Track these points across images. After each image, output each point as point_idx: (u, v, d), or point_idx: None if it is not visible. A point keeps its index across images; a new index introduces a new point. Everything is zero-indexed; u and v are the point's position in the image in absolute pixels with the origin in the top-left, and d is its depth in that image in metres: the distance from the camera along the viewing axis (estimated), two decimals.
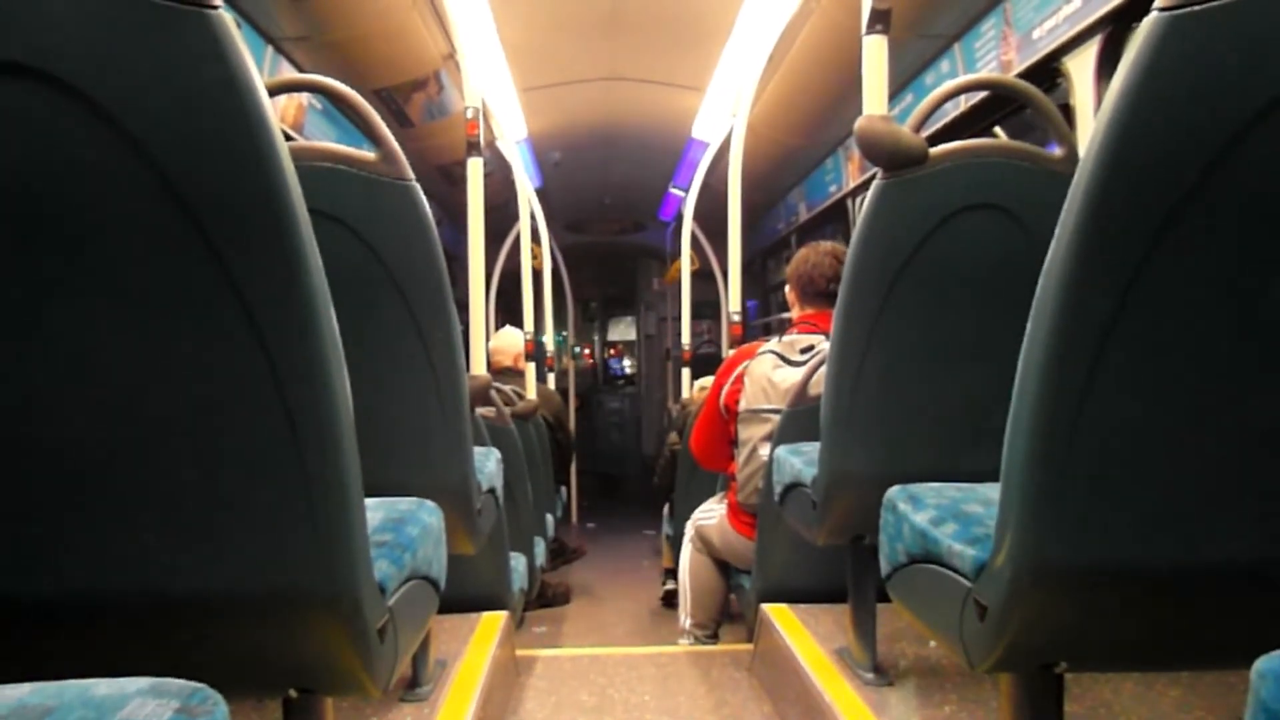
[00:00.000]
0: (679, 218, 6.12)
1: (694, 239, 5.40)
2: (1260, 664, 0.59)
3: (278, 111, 3.19)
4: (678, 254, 5.57)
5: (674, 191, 6.86)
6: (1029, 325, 0.92)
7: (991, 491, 1.08)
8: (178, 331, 0.79)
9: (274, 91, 2.03)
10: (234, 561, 0.86)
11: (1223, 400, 0.90)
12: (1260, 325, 0.88)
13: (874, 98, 1.66)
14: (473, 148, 2.57)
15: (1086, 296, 0.87)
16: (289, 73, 3.38)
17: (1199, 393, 0.90)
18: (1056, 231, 0.88)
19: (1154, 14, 0.80)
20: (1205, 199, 0.82)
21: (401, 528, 1.15)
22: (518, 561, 2.87)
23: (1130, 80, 0.81)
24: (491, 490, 1.90)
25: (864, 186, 4.52)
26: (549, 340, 6.60)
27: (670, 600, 4.27)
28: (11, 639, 0.85)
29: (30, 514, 0.82)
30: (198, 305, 0.79)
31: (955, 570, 1.09)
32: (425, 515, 1.26)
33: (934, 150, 1.50)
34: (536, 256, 5.62)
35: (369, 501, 0.99)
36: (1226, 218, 0.84)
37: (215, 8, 0.73)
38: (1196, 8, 0.78)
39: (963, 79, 1.62)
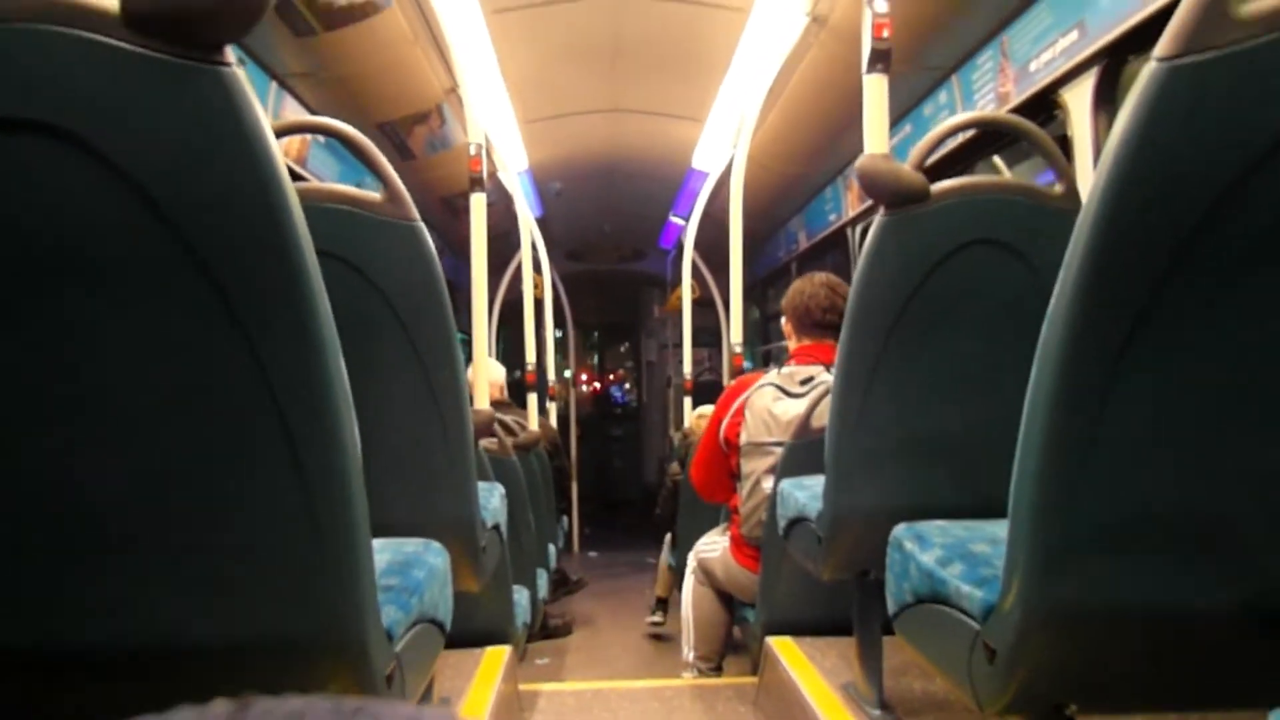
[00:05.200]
0: (679, 246, 6.15)
1: (694, 267, 5.42)
2: (1275, 716, 0.59)
3: (282, 147, 3.21)
4: (678, 282, 5.59)
5: (674, 220, 6.89)
6: (1034, 370, 0.92)
7: (998, 529, 1.08)
8: (187, 382, 0.80)
9: (282, 133, 2.05)
10: (241, 611, 0.86)
11: (1229, 443, 0.90)
12: (1265, 369, 0.88)
13: (875, 136, 1.67)
14: (476, 184, 2.59)
15: (1091, 341, 0.87)
16: (293, 107, 3.40)
17: (1205, 435, 0.90)
18: (1060, 275, 0.89)
19: (1152, 63, 0.82)
20: (1207, 243, 0.83)
21: (408, 571, 1.15)
22: (521, 595, 2.86)
23: (1130, 128, 0.82)
24: (496, 526, 1.90)
25: (864, 215, 4.54)
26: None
27: (657, 633, 4.26)
28: (19, 691, 0.85)
29: (37, 565, 0.82)
30: (207, 355, 0.79)
31: (963, 611, 1.08)
32: (431, 557, 1.26)
33: (935, 187, 1.51)
34: (538, 286, 5.64)
35: (376, 543, 0.99)
36: (1229, 263, 0.85)
37: (228, 65, 0.74)
38: (1193, 58, 0.79)
39: (962, 117, 1.64)
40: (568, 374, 8.93)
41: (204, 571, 0.84)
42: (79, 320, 0.76)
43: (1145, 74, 0.82)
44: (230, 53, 0.75)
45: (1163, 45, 0.80)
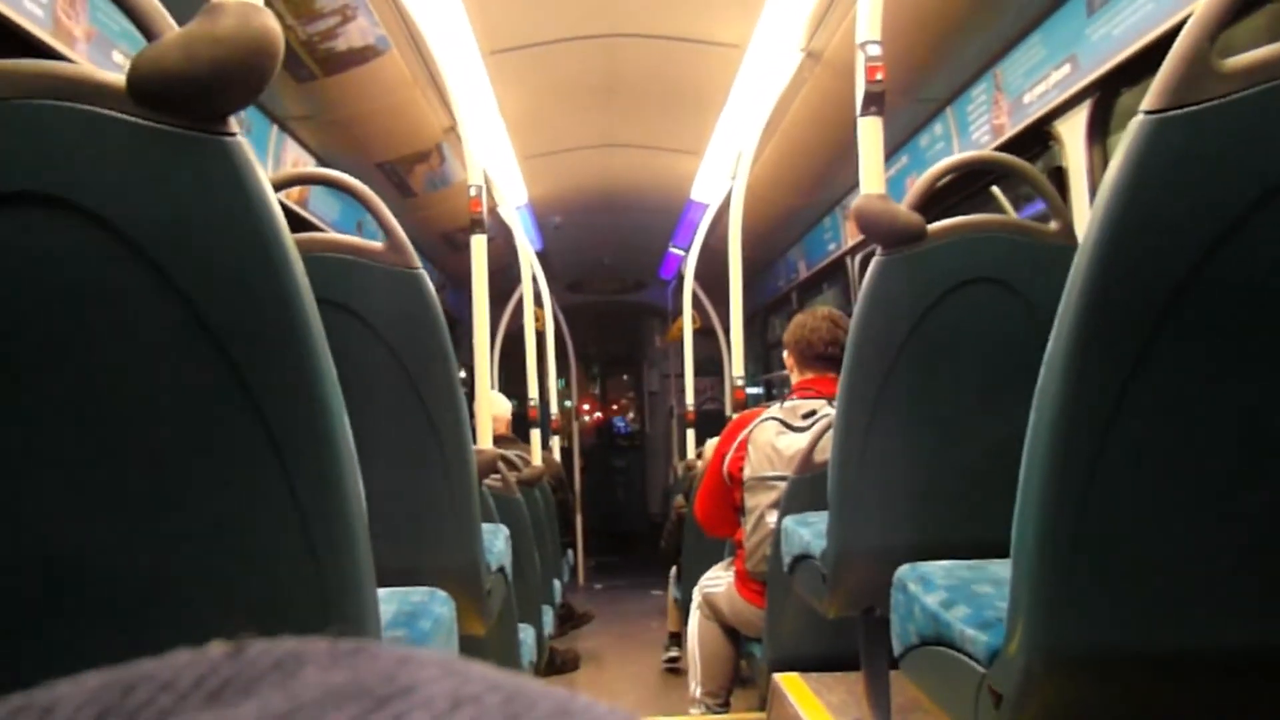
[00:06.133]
0: (680, 276, 6.17)
1: (695, 297, 5.44)
2: None
3: (284, 191, 3.24)
4: (679, 312, 5.61)
5: (674, 251, 6.92)
6: (1032, 413, 0.93)
7: (1002, 569, 1.09)
8: (190, 441, 0.81)
9: (284, 186, 2.07)
10: None
11: (1233, 484, 0.91)
12: (1263, 410, 0.89)
13: (871, 177, 1.69)
14: (476, 224, 2.61)
15: (1089, 386, 0.88)
16: (294, 150, 3.44)
17: (1208, 477, 0.91)
18: (1057, 320, 0.90)
19: (1140, 116, 0.83)
20: (1201, 291, 0.85)
21: (414, 623, 1.16)
22: (526, 634, 2.85)
23: (1120, 179, 0.83)
24: (501, 569, 1.90)
25: (863, 244, 4.57)
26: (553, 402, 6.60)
27: (674, 666, 4.23)
28: None
29: (18, 612, 0.82)
30: (212, 412, 0.80)
31: (968, 655, 1.09)
32: (437, 606, 1.26)
33: (932, 227, 1.53)
34: (539, 319, 5.65)
35: (381, 593, 0.99)
36: (1222, 309, 0.86)
37: (232, 134, 0.76)
38: (1179, 111, 0.81)
39: (957, 158, 1.66)
40: (569, 404, 8.90)
41: (205, 628, 0.85)
42: (85, 389, 0.77)
43: (1133, 126, 0.84)
44: (233, 122, 0.77)
45: (1150, 99, 0.82)
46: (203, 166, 0.75)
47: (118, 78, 0.74)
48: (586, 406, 9.78)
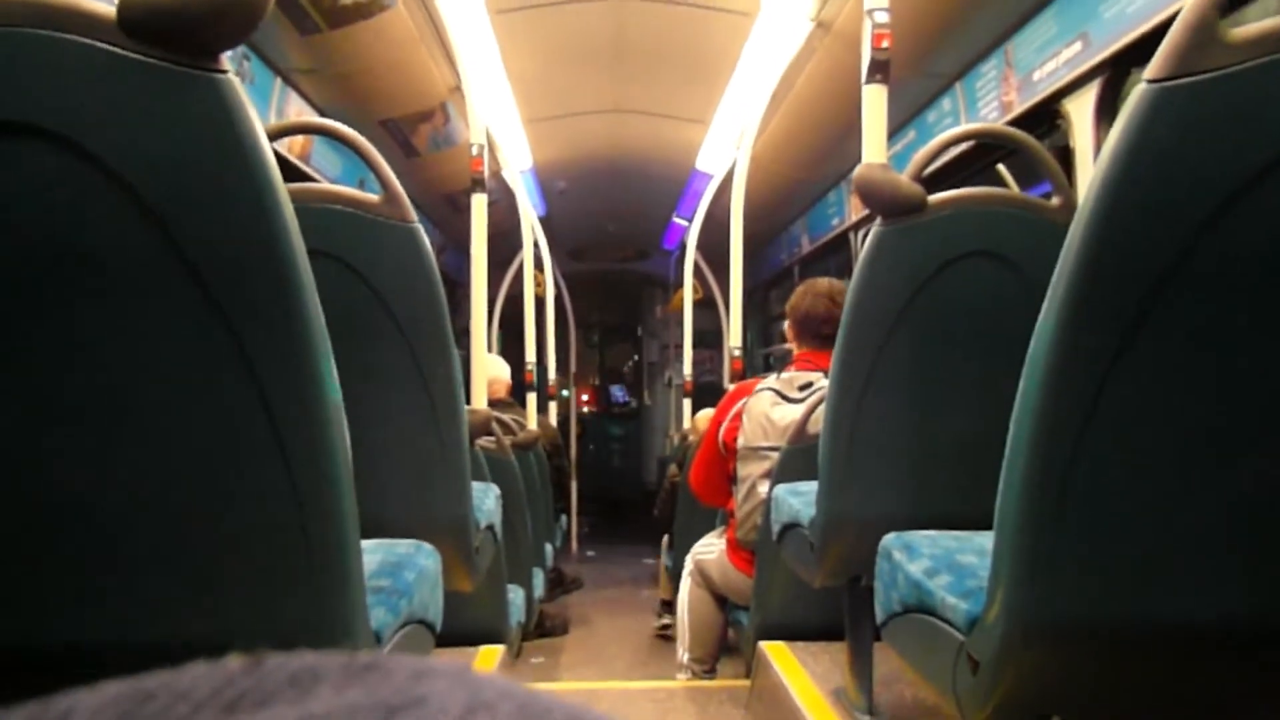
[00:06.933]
0: (682, 247, 6.15)
1: (697, 269, 5.42)
2: None
3: (286, 141, 3.22)
4: (680, 283, 5.59)
5: (678, 221, 6.89)
6: (1021, 384, 0.93)
7: (987, 540, 1.09)
8: (175, 381, 0.81)
9: (282, 134, 2.05)
10: (227, 610, 0.87)
11: (1215, 459, 0.91)
12: (1251, 387, 0.89)
13: (874, 145, 1.68)
14: (477, 184, 2.60)
15: (1078, 357, 0.88)
16: (297, 104, 3.41)
17: (1191, 452, 0.91)
18: (1050, 289, 0.90)
19: (1143, 84, 0.82)
20: (1195, 264, 0.84)
21: (399, 573, 1.16)
22: (515, 594, 2.87)
23: (1120, 147, 0.83)
24: (490, 527, 1.91)
25: (866, 220, 4.55)
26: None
27: (666, 634, 4.26)
28: (6, 689, 0.85)
29: (21, 562, 0.83)
30: (196, 355, 0.80)
31: (948, 623, 1.09)
32: (423, 559, 1.27)
33: (932, 198, 1.52)
34: (539, 284, 5.64)
35: (366, 544, 1.00)
36: (1216, 281, 0.85)
37: (224, 71, 0.75)
38: (1183, 80, 0.80)
39: (961, 129, 1.64)
40: (568, 393, 8.82)
41: (188, 570, 0.85)
42: (68, 320, 0.77)
43: (1136, 94, 0.83)
44: (226, 60, 0.76)
45: (1153, 67, 0.81)
46: (192, 103, 0.74)
47: (108, 9, 0.73)
48: (585, 398, 9.70)
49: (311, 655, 0.20)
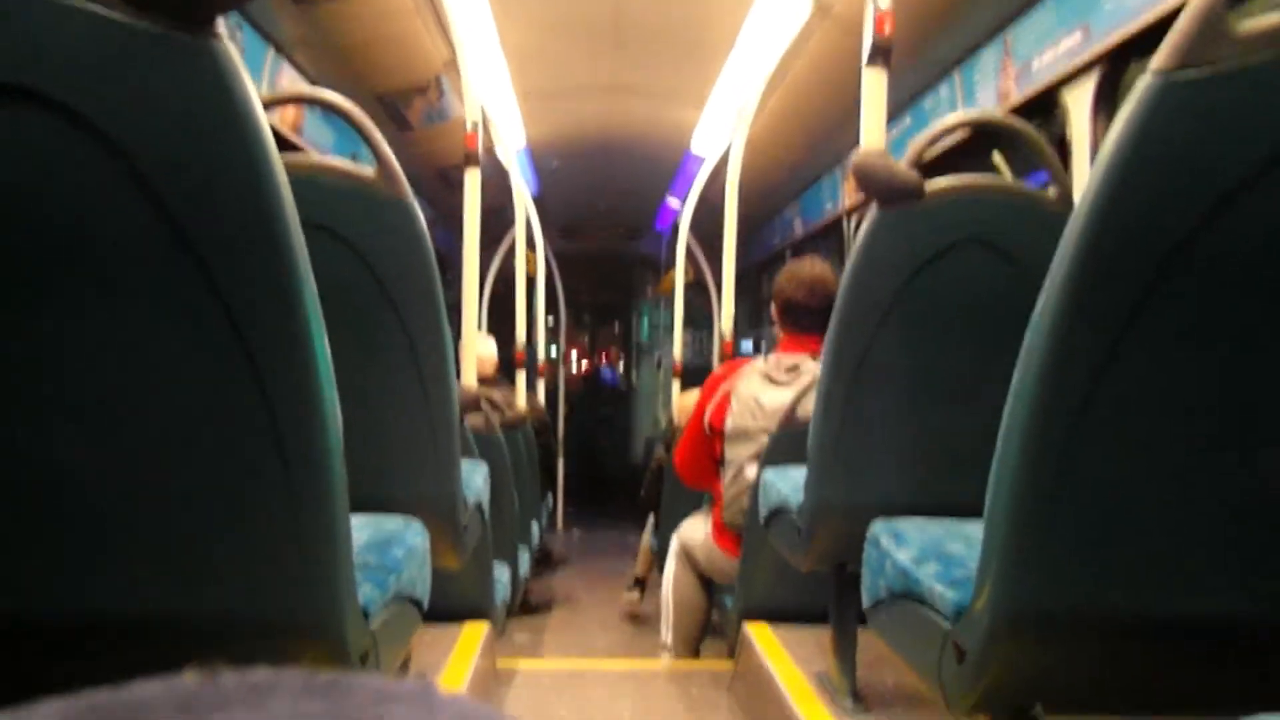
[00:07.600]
0: (675, 228, 6.13)
1: (689, 251, 5.40)
2: None
3: (278, 114, 3.19)
4: (672, 264, 5.58)
5: (670, 202, 6.87)
6: (1015, 374, 0.92)
7: (975, 529, 1.09)
8: (167, 351, 0.80)
9: (277, 104, 2.02)
10: (216, 584, 0.86)
11: (1208, 455, 0.91)
12: (1246, 381, 0.89)
13: (872, 130, 1.67)
14: (470, 160, 2.58)
15: (1073, 349, 0.88)
16: (290, 76, 3.37)
17: (1184, 445, 0.91)
18: (1047, 279, 0.89)
19: (1148, 75, 0.82)
20: (1195, 256, 0.84)
21: (388, 549, 1.16)
22: (501, 572, 2.87)
23: (1123, 138, 0.82)
24: (478, 505, 1.90)
25: (860, 206, 4.54)
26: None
27: (634, 611, 4.29)
28: None
29: (12, 534, 0.82)
30: (187, 325, 0.79)
31: (935, 610, 1.09)
32: (411, 535, 1.26)
33: (930, 185, 1.51)
34: (531, 263, 5.62)
35: (355, 520, 0.99)
36: (1214, 276, 0.85)
37: (219, 38, 0.73)
38: (1189, 73, 0.79)
39: (959, 115, 1.63)
40: (555, 354, 8.85)
41: (178, 543, 0.84)
42: (58, 286, 0.76)
43: (1141, 85, 0.82)
44: (221, 26, 0.74)
45: (1159, 58, 0.80)
46: (187, 69, 0.73)
47: None
48: (574, 354, 9.74)
49: (270, 672, 0.21)
